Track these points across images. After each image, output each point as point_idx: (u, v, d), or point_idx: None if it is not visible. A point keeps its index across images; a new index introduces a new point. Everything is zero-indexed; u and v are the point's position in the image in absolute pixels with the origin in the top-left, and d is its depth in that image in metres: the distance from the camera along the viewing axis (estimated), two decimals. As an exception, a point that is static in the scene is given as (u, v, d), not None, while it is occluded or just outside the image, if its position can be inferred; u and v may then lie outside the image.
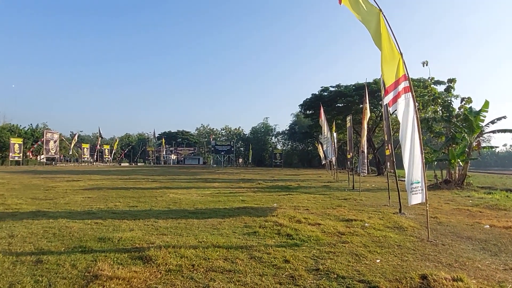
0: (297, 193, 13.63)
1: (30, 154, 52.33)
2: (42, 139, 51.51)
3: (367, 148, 15.21)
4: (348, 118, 17.57)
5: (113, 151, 69.98)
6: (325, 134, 23.74)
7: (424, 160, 5.98)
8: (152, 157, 75.41)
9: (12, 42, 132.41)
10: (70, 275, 3.70)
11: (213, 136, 78.94)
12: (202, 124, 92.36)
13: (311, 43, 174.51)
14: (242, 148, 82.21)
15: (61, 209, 8.36)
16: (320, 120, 24.73)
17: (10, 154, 45.31)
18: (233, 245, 5.14)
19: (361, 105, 32.53)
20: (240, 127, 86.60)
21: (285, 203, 10.21)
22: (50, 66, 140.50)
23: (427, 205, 6.09)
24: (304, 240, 5.56)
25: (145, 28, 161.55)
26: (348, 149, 19.16)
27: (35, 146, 52.50)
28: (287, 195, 12.79)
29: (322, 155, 35.58)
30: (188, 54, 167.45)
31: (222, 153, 66.05)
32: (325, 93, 44.31)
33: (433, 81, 24.88)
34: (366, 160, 14.93)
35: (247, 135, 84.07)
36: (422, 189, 5.88)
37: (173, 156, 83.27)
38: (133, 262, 4.20)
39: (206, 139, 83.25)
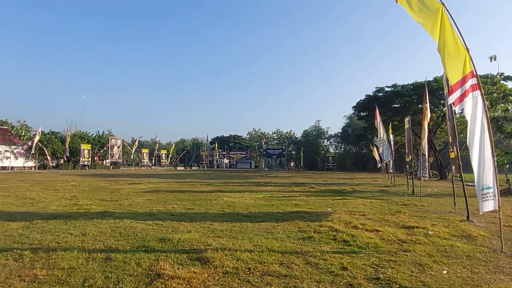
0: (352, 197, 13.20)
1: (97, 159, 56.81)
2: (107, 145, 55.77)
3: (427, 151, 14.27)
4: (407, 119, 16.68)
5: (170, 156, 73.46)
6: (381, 136, 22.74)
7: (495, 164, 5.47)
8: (205, 161, 77.89)
9: (82, 56, 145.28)
10: (136, 272, 3.93)
11: (265, 140, 79.60)
12: (253, 128, 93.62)
13: (362, 41, 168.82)
14: (293, 152, 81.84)
15: (125, 210, 8.94)
16: (375, 121, 23.75)
17: (81, 158, 49.65)
18: (288, 249, 5.11)
19: (420, 105, 30.77)
20: (291, 130, 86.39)
21: (339, 208, 9.94)
22: (114, 77, 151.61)
23: (500, 213, 5.55)
24: (361, 247, 5.36)
25: (199, 31, 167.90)
26: (406, 151, 18.16)
27: (101, 151, 56.88)
28: (341, 199, 12.44)
29: (377, 158, 34.11)
30: (239, 57, 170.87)
31: (274, 156, 66.30)
32: (380, 94, 42.51)
33: (502, 76, 22.74)
34: (427, 164, 14.01)
35: (298, 138, 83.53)
36: (494, 195, 5.37)
37: (226, 160, 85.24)
38: (192, 263, 4.35)
39: (257, 143, 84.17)
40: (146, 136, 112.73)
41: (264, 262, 4.39)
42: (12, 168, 44.24)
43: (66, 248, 4.86)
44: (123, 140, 60.73)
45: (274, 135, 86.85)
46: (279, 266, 4.26)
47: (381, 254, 4.94)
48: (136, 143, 65.83)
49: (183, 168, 70.94)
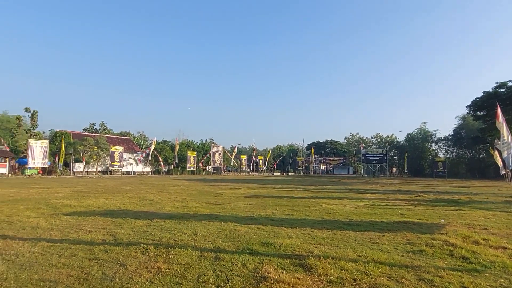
0: (470, 208, 11.66)
1: (201, 165, 61.77)
2: (210, 152, 60.29)
3: None
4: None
5: (266, 162, 75.67)
6: (505, 138, 19.61)
7: None
8: (301, 167, 78.05)
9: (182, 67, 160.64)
10: (243, 273, 4.13)
11: (363, 144, 76.04)
12: (351, 133, 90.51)
13: (480, 31, 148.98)
14: (395, 157, 76.28)
15: (229, 213, 9.49)
16: (496, 122, 20.55)
17: (187, 164, 54.68)
18: (396, 262, 4.76)
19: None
20: (393, 134, 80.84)
21: (454, 220, 8.88)
22: (215, 88, 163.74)
23: None
24: (485, 265, 4.69)
25: (286, 37, 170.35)
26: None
27: (205, 158, 61.69)
28: (456, 210, 11.10)
29: (500, 163, 29.49)
30: (335, 59, 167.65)
31: (374, 162, 62.84)
32: (502, 90, 36.95)
33: None
34: None
35: (401, 142, 77.59)
36: None
37: (322, 166, 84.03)
38: (295, 268, 4.38)
39: (355, 148, 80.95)
40: (244, 143, 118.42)
41: (370, 274, 4.18)
42: (134, 173, 51.04)
43: (182, 246, 5.39)
44: (223, 147, 64.87)
45: (374, 139, 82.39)
46: (388, 280, 4.00)
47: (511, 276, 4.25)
48: (235, 150, 69.62)
49: (279, 174, 72.29)
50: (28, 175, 36.61)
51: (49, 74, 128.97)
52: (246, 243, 5.72)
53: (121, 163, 47.64)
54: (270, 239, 6.01)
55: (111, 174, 46.04)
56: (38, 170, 38.83)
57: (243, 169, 68.34)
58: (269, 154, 79.80)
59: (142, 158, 53.40)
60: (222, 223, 7.74)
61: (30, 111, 45.53)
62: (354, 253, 5.20)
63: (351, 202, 13.12)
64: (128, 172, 50.02)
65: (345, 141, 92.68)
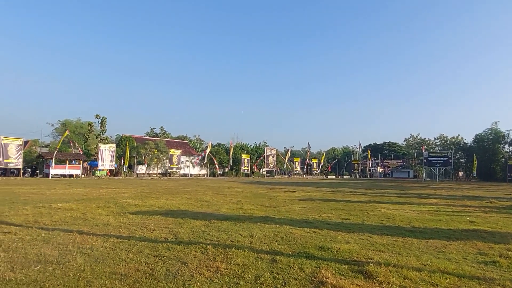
0: (553, 218, 10.40)
1: (255, 167, 62.47)
2: (263, 155, 60.81)
3: None
4: None
5: (320, 165, 74.40)
6: None
7: None
8: (357, 170, 75.52)
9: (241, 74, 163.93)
10: (300, 277, 4.11)
11: (425, 146, 71.41)
12: (411, 134, 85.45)
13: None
14: (462, 160, 70.42)
15: (284, 216, 9.48)
16: None
17: (241, 167, 55.68)
18: (466, 273, 4.41)
19: None
20: (459, 135, 74.62)
21: (534, 230, 7.99)
22: (268, 91, 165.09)
23: None
24: None
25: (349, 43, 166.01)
26: None
27: (258, 160, 62.31)
28: (536, 219, 9.97)
29: None
30: (393, 57, 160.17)
31: (437, 165, 58.65)
32: None
33: None
34: None
35: (469, 144, 71.43)
36: None
37: (380, 169, 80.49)
38: (354, 275, 4.25)
39: (416, 150, 76.27)
40: (298, 146, 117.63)
41: (437, 285, 3.92)
42: (191, 175, 53.18)
43: (239, 247, 5.50)
44: (277, 150, 65.06)
45: (437, 141, 76.83)
46: (457, 292, 3.72)
47: None
48: (289, 152, 69.39)
49: (334, 177, 70.64)
50: (98, 176, 39.87)
51: (116, 83, 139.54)
52: (302, 247, 5.68)
53: (179, 165, 49.96)
54: (326, 243, 5.91)
55: (169, 176, 48.44)
56: (107, 171, 42.11)
57: (297, 172, 67.88)
58: (323, 157, 78.35)
59: (198, 160, 55.51)
60: (278, 225, 7.76)
61: (99, 118, 49.61)
62: (418, 262, 4.91)
63: (412, 208, 12.41)
64: (185, 174, 52.26)
65: (405, 143, 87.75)
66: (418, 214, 10.65)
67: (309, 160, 73.48)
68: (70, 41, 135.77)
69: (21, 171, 36.35)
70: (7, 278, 3.84)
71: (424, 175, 62.82)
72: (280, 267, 4.48)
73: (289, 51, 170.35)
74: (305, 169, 71.98)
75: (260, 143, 72.54)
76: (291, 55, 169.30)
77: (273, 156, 62.53)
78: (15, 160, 35.02)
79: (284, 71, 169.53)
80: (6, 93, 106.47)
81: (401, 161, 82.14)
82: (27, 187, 19.54)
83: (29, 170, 39.85)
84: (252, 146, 68.69)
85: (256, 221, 8.32)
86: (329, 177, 69.90)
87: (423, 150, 65.51)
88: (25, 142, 42.63)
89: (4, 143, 34.25)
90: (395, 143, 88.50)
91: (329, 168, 78.89)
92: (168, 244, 5.66)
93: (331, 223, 8.38)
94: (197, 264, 4.55)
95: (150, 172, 48.74)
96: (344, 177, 72.15)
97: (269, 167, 61.62)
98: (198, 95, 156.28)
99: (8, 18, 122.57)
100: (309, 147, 74.95)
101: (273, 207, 11.76)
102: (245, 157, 57.24)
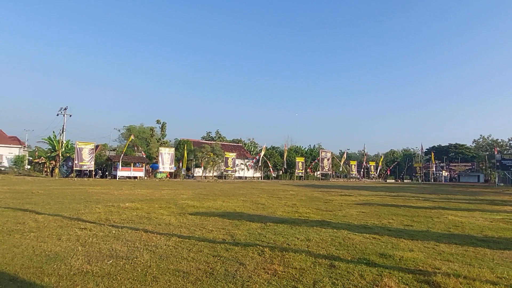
0: None
1: (309, 170, 61.70)
2: (318, 158, 59.84)
3: None
4: None
5: (379, 168, 71.26)
6: None
7: None
8: (419, 173, 71.11)
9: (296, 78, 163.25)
10: (360, 284, 3.97)
11: (498, 148, 65.12)
12: (481, 135, 78.67)
13: None
14: (543, 163, 63.04)
15: (340, 220, 9.23)
16: None
17: (296, 170, 55.32)
18: (552, 290, 3.93)
19: None
20: (538, 135, 67.11)
21: None
22: (320, 93, 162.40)
23: None
24: None
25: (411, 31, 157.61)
26: None
27: (313, 163, 61.45)
28: None
29: None
30: (457, 54, 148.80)
31: (512, 169, 53.13)
32: None
33: None
34: None
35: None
36: None
37: (445, 173, 74.92)
38: (419, 285, 4.01)
39: (488, 153, 69.94)
40: (354, 148, 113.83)
41: (517, 301, 3.54)
42: (245, 177, 54.01)
43: (295, 250, 5.47)
44: (331, 153, 63.66)
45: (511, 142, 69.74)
46: (543, 311, 3.33)
47: None
48: (344, 155, 67.57)
49: (393, 180, 67.33)
50: (159, 178, 42.19)
51: (175, 91, 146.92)
52: (361, 253, 5.48)
53: (233, 168, 51.04)
54: (388, 251, 5.64)
55: (225, 178, 49.68)
56: (166, 174, 44.38)
57: (353, 175, 65.76)
58: (382, 160, 74.96)
59: (252, 163, 56.24)
60: (335, 230, 7.58)
61: (160, 123, 52.60)
62: (493, 274, 4.49)
63: (484, 215, 11.37)
64: (240, 177, 53.23)
65: (474, 144, 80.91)
66: (491, 222, 9.72)
67: (366, 163, 70.81)
68: (135, 54, 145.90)
69: (93, 173, 39.73)
70: (84, 270, 4.21)
71: (497, 180, 57.25)
72: (339, 273, 4.36)
73: (346, 55, 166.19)
74: (361, 172, 69.48)
75: (314, 145, 71.59)
76: (347, 58, 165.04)
77: (328, 159, 61.26)
78: (88, 162, 38.36)
79: (339, 73, 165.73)
80: (81, 102, 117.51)
81: (469, 164, 75.63)
82: (98, 187, 21.29)
83: (100, 171, 43.37)
84: (306, 149, 67.96)
85: (312, 225, 8.21)
86: (388, 180, 66.75)
87: (496, 153, 59.76)
88: (96, 146, 46.49)
89: (79, 147, 37.73)
90: (463, 145, 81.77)
91: (388, 171, 75.21)
92: (226, 245, 5.80)
93: (392, 230, 7.98)
94: (254, 265, 4.60)
95: (206, 174, 50.42)
96: (405, 181, 68.41)
97: (324, 170, 60.45)
98: (252, 99, 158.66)
99: (86, 36, 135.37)
100: (365, 150, 72.30)
101: (329, 211, 11.52)
102: (299, 160, 56.78)
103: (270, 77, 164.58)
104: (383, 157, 79.46)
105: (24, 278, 3.86)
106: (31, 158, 48.96)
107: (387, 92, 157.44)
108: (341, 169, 66.55)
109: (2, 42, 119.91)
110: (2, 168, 41.46)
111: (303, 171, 56.90)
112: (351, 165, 66.15)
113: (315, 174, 62.78)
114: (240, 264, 4.67)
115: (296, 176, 55.71)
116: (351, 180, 62.93)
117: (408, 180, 69.34)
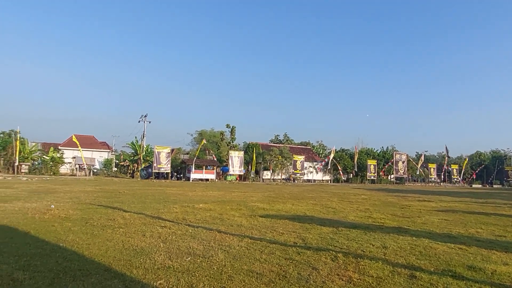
0: None
1: (382, 174, 58.57)
2: (392, 160, 56.56)
3: None
4: None
5: (462, 171, 64.85)
6: None
7: None
8: (512, 178, 63.05)
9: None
10: (446, 298, 3.64)
11: None
12: None
13: None
14: None
15: (420, 228, 8.59)
16: None
17: (367, 173, 52.97)
18: None
19: None
20: None
21: None
22: (392, 93, 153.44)
23: None
24: None
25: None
26: None
27: (386, 166, 58.24)
28: None
29: None
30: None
31: None
32: None
33: None
34: None
35: None
36: None
37: (545, 178, 65.38)
38: (519, 304, 3.54)
39: None
40: (432, 150, 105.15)
41: None
42: (314, 180, 53.24)
43: (371, 258, 5.22)
44: (407, 155, 59.68)
45: None
46: None
47: None
48: (422, 157, 62.83)
49: (480, 186, 60.74)
50: (229, 181, 43.62)
51: (243, 95, 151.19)
52: (446, 264, 5.03)
53: (302, 171, 50.66)
54: (477, 263, 5.09)
55: (293, 181, 49.50)
56: (236, 176, 45.73)
57: (432, 179, 60.77)
58: (465, 162, 68.02)
59: (321, 166, 55.23)
60: (414, 238, 7.08)
61: (230, 127, 54.47)
62: None
63: None
64: (308, 180, 52.62)
65: None
66: None
67: (447, 166, 64.92)
68: (205, 63, 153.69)
69: (169, 175, 42.61)
70: (166, 265, 4.53)
71: None
72: (421, 285, 4.06)
73: (422, 49, 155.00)
74: (442, 176, 63.85)
75: (387, 147, 67.60)
76: (422, 54, 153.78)
77: (403, 162, 57.52)
78: (165, 165, 41.31)
79: (416, 70, 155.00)
80: (158, 109, 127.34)
81: None
82: (174, 188, 22.77)
83: (175, 174, 46.35)
84: (378, 151, 64.58)
85: (388, 232, 7.77)
86: (473, 185, 60.40)
87: None
88: (172, 150, 49.81)
89: (157, 151, 40.85)
90: None
91: (474, 175, 68.00)
92: (297, 248, 5.77)
93: (482, 240, 7.19)
94: (328, 271, 4.50)
95: (275, 177, 50.81)
96: (494, 186, 61.22)
97: (399, 173, 56.86)
98: (320, 101, 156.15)
99: (166, 52, 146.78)
100: (447, 152, 66.33)
101: (406, 217, 10.80)
102: (371, 163, 54.22)
103: (338, 78, 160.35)
104: (467, 159, 71.96)
105: (116, 269, 4.28)
106: (117, 161, 54.20)
107: (471, 83, 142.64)
108: (418, 173, 61.89)
109: (96, 64, 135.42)
110: (95, 170, 46.59)
111: (376, 174, 54.20)
112: (430, 168, 61.18)
113: (389, 178, 59.33)
114: (313, 268, 4.60)
115: (368, 180, 53.29)
116: (430, 184, 58.25)
117: (498, 186, 61.90)
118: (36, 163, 42.50)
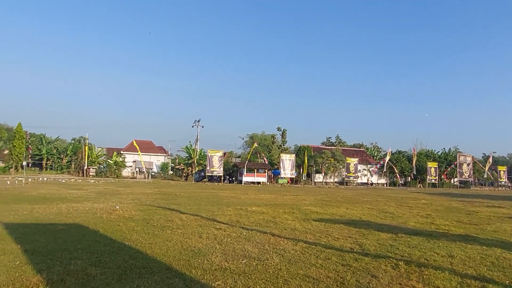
0: None
1: (444, 177, 54.72)
2: (455, 162, 52.64)
3: None
4: None
5: (538, 174, 58.47)
6: None
7: None
8: None
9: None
10: (527, 316, 3.28)
11: None
12: None
13: None
14: None
15: (490, 236, 7.88)
16: None
17: (428, 177, 49.82)
18: None
19: None
20: None
21: None
22: (453, 89, 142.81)
23: None
24: None
25: None
26: None
27: (449, 169, 54.35)
28: None
29: None
30: None
31: None
32: None
33: None
34: None
35: None
36: None
37: None
38: None
39: None
40: (502, 151, 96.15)
41: None
42: (372, 184, 51.24)
43: (436, 267, 4.88)
44: (472, 157, 55.17)
45: None
46: None
47: None
48: (490, 159, 57.73)
49: (561, 190, 54.23)
50: (280, 184, 43.58)
51: (295, 98, 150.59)
52: (525, 277, 4.54)
53: (356, 174, 49.05)
54: None
55: (346, 184, 48.11)
56: (288, 179, 45.55)
57: (502, 183, 55.50)
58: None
59: (376, 169, 53.03)
60: (484, 247, 6.49)
61: (281, 130, 54.48)
62: None
63: None
64: (362, 183, 50.79)
65: None
66: None
67: (519, 168, 58.92)
68: (256, 68, 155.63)
69: (222, 178, 43.66)
70: (223, 267, 4.63)
71: None
72: (497, 299, 3.71)
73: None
74: (514, 180, 58.05)
75: (450, 149, 63.04)
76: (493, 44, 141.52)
77: (468, 164, 53.20)
78: (217, 168, 42.43)
79: (483, 70, 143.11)
80: (210, 113, 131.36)
81: None
82: (227, 191, 23.28)
83: (227, 177, 47.41)
84: (440, 153, 60.44)
85: (453, 240, 7.22)
86: (553, 190, 54.12)
87: None
88: (224, 154, 51.06)
89: (210, 155, 42.12)
90: None
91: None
92: (354, 254, 5.58)
93: None
94: (389, 279, 4.28)
95: (327, 180, 49.77)
96: None
97: (463, 176, 52.68)
98: (374, 102, 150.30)
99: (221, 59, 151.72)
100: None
101: (474, 224, 9.96)
102: (432, 165, 50.86)
103: (393, 77, 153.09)
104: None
105: (176, 269, 4.47)
106: (173, 164, 56.83)
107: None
108: (485, 176, 56.87)
109: (154, 73, 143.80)
110: (153, 173, 49.28)
111: (437, 177, 50.78)
112: (500, 170, 55.95)
113: (452, 181, 55.25)
114: (372, 276, 4.41)
115: (428, 183, 50.06)
116: (500, 188, 53.18)
117: None
118: (102, 166, 46.11)
